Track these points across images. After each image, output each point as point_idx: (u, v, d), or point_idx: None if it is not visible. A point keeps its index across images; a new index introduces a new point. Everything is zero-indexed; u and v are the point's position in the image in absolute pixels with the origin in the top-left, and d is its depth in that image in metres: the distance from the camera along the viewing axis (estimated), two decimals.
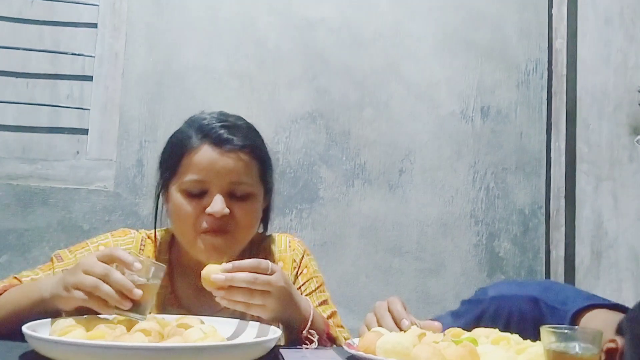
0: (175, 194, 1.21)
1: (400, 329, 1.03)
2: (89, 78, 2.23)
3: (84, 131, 2.21)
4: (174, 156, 1.23)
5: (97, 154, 2.21)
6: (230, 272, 1.02)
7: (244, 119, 1.30)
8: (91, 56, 2.23)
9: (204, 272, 1.04)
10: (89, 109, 2.22)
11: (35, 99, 2.21)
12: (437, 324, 1.06)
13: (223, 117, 1.25)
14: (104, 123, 2.23)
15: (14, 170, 2.16)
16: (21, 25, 2.22)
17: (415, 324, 1.04)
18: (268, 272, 1.05)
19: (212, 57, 2.31)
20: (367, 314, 1.11)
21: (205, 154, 1.19)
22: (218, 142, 1.19)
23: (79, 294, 0.97)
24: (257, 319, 1.09)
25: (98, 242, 1.28)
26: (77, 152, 2.21)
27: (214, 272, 1.03)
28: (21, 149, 2.19)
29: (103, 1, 2.24)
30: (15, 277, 1.21)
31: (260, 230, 1.34)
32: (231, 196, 1.20)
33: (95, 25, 2.24)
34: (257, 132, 1.29)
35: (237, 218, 1.19)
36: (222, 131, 1.20)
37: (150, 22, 2.28)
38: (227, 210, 1.18)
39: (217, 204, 1.17)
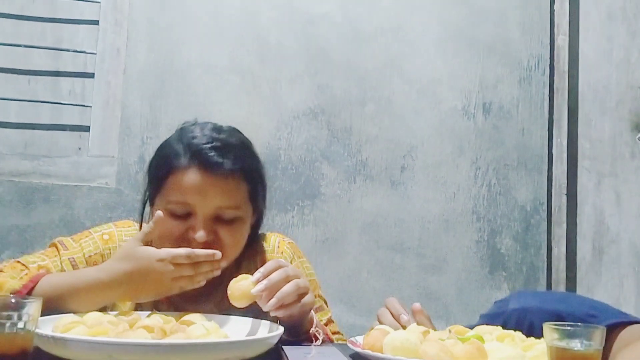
0: (161, 211, 1.17)
1: (400, 323, 1.04)
2: (91, 75, 2.23)
3: (86, 128, 2.21)
4: (161, 170, 1.19)
5: (98, 151, 2.21)
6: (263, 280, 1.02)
7: (238, 133, 1.25)
8: (93, 53, 2.23)
9: (233, 290, 1.03)
10: (90, 106, 2.22)
11: (37, 95, 2.21)
12: (416, 305, 1.09)
13: (215, 134, 1.19)
14: (106, 120, 2.23)
15: (16, 166, 2.16)
16: (23, 22, 2.22)
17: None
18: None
19: (214, 53, 2.31)
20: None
21: (192, 176, 1.15)
22: (207, 166, 1.15)
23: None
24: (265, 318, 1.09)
25: (102, 231, 1.27)
26: (79, 149, 2.21)
27: (245, 288, 1.02)
28: (23, 145, 2.19)
29: None
30: (19, 262, 1.19)
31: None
32: (217, 219, 1.16)
33: (96, 22, 2.24)
34: (251, 150, 1.24)
35: (223, 241, 1.16)
36: (212, 153, 1.15)
37: (151, 18, 2.28)
38: (210, 237, 1.15)
39: (201, 231, 1.14)
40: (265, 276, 1.03)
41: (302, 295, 1.05)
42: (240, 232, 1.20)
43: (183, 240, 1.15)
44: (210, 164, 1.15)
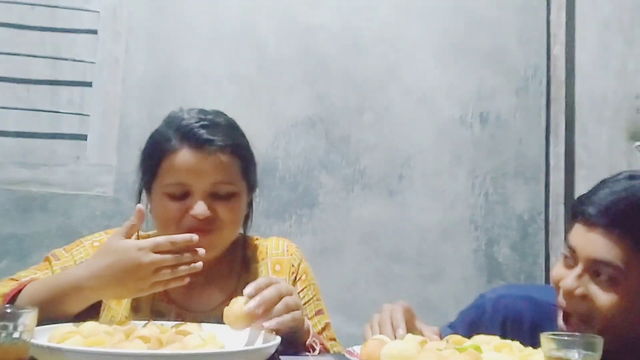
0: (158, 197, 1.21)
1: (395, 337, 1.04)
2: (89, 84, 2.24)
3: (84, 137, 2.22)
4: (154, 157, 1.22)
5: (97, 160, 2.21)
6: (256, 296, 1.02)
7: (224, 115, 1.28)
8: (91, 62, 2.24)
9: (229, 316, 1.02)
10: (89, 115, 2.22)
11: (35, 104, 2.21)
12: (435, 329, 1.09)
13: (202, 116, 1.23)
14: (104, 128, 2.23)
15: (14, 175, 2.16)
16: (22, 31, 2.22)
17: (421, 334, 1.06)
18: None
19: (212, 62, 2.32)
20: (374, 314, 1.11)
21: (185, 156, 1.18)
22: (198, 144, 1.18)
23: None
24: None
25: (92, 239, 1.28)
26: (77, 158, 2.22)
27: (238, 311, 1.01)
28: (21, 154, 2.19)
29: (103, 7, 2.25)
30: (12, 279, 1.20)
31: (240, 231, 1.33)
32: (214, 196, 1.19)
33: (95, 32, 2.25)
34: (239, 128, 1.28)
35: (221, 217, 1.19)
36: (201, 132, 1.19)
37: (150, 28, 2.29)
38: (209, 213, 1.18)
39: (200, 207, 1.17)
40: (257, 292, 1.02)
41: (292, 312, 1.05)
42: (237, 208, 1.23)
43: (183, 221, 1.17)
44: (201, 142, 1.18)
